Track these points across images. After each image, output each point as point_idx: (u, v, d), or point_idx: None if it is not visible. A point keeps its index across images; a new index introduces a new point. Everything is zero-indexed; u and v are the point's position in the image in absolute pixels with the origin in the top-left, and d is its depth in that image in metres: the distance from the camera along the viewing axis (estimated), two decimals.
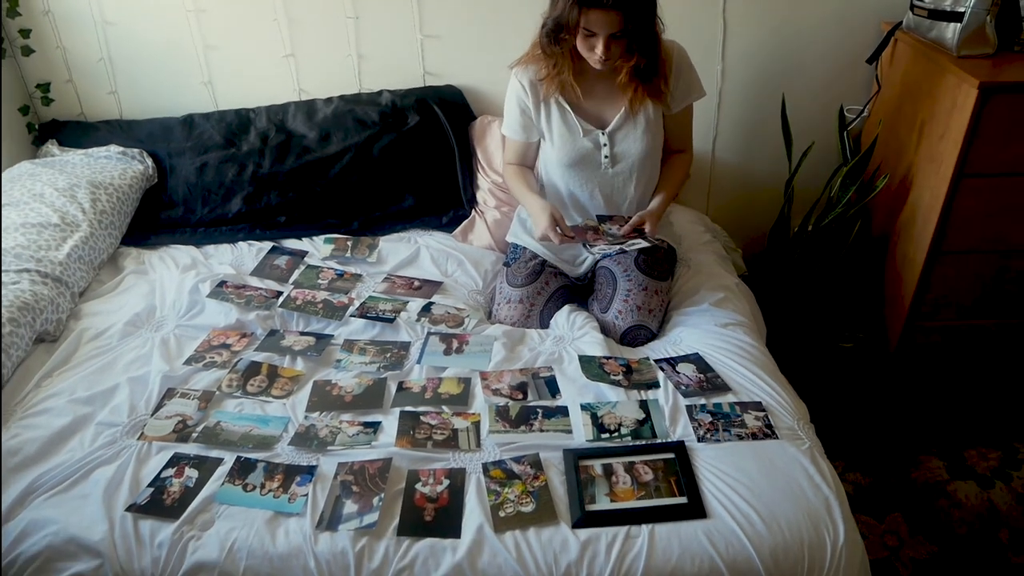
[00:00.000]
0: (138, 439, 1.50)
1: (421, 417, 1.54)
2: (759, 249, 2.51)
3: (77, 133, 2.35)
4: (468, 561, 1.26)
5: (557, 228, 1.76)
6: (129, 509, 1.35)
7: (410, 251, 2.13)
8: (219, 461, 1.45)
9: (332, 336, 1.81)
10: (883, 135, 2.25)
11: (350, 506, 1.35)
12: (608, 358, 1.68)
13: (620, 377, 1.62)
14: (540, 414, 1.55)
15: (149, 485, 1.40)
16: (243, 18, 2.28)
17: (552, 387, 1.62)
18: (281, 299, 1.91)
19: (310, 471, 1.42)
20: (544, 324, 1.87)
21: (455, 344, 1.76)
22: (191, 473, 1.43)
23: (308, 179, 2.23)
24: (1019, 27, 1.96)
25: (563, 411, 1.56)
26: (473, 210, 2.26)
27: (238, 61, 2.34)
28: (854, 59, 2.31)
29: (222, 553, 1.28)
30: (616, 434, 1.49)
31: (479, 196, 2.27)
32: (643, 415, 1.53)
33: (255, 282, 1.99)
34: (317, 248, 2.17)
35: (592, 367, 1.65)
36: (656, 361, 1.69)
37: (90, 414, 1.56)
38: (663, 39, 1.74)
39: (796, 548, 1.27)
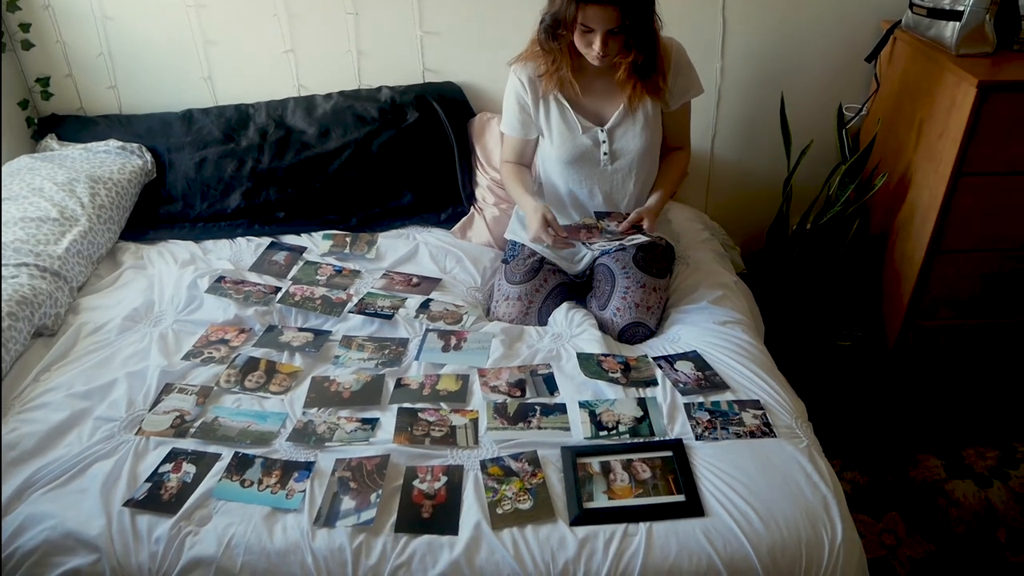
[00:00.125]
0: (136, 434, 1.50)
1: (419, 414, 1.55)
2: (757, 247, 2.51)
3: (76, 128, 2.34)
4: (465, 558, 1.26)
5: (549, 229, 1.75)
6: (127, 504, 1.35)
7: (409, 248, 2.13)
8: (217, 457, 1.45)
9: (330, 332, 1.81)
10: (882, 134, 2.25)
11: (348, 502, 1.35)
12: (606, 355, 1.68)
13: (618, 375, 1.62)
14: (538, 411, 1.55)
15: (147, 480, 1.40)
16: (243, 13, 2.27)
17: (550, 384, 1.62)
18: (279, 295, 1.91)
19: (308, 467, 1.42)
20: (542, 321, 1.87)
21: (453, 341, 1.76)
22: (189, 468, 1.43)
23: (307, 175, 2.22)
24: (1018, 26, 1.96)
25: (561, 408, 1.56)
26: (472, 207, 2.26)
27: (238, 56, 2.34)
28: (853, 57, 2.31)
29: (219, 549, 1.28)
30: (614, 432, 1.49)
31: (478, 193, 2.27)
32: (641, 413, 1.53)
33: (254, 278, 1.99)
34: (316, 244, 2.16)
35: (590, 365, 1.65)
36: (654, 359, 1.69)
37: (88, 409, 1.56)
38: (661, 36, 1.74)
39: (794, 546, 1.27)
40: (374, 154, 2.24)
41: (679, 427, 1.50)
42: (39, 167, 2.10)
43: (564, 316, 1.84)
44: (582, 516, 1.31)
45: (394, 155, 2.24)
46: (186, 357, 1.71)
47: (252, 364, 1.69)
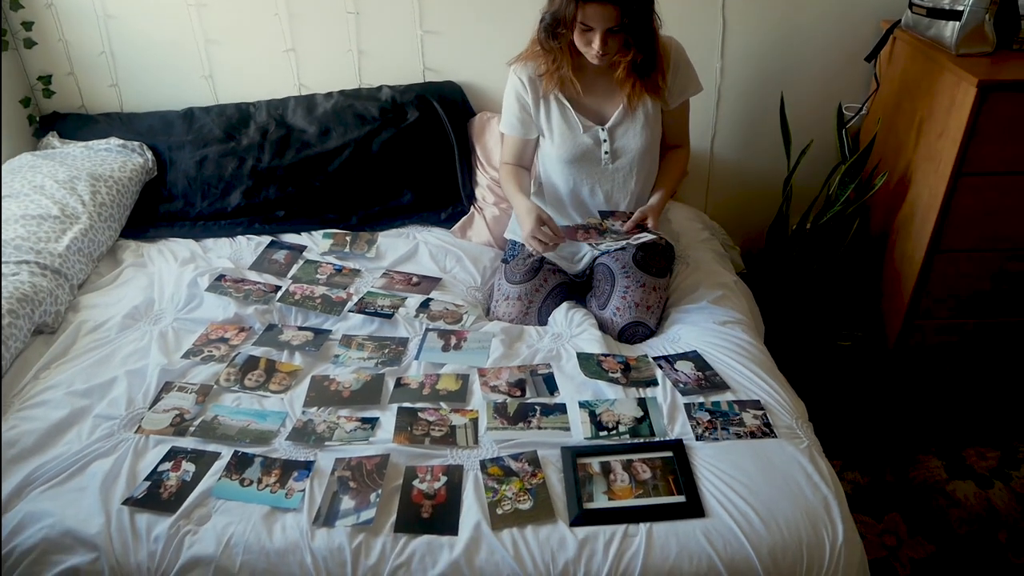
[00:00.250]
0: (135, 432, 1.50)
1: (419, 413, 1.54)
2: (757, 247, 2.51)
3: (78, 125, 2.35)
4: (465, 558, 1.26)
5: (544, 228, 1.75)
6: (126, 503, 1.35)
7: (409, 247, 2.13)
8: (216, 455, 1.45)
9: (330, 331, 1.80)
10: (882, 133, 2.25)
11: (347, 502, 1.34)
12: (606, 355, 1.68)
13: (618, 375, 1.62)
14: (538, 411, 1.55)
15: (146, 479, 1.40)
16: (244, 13, 2.27)
17: (550, 384, 1.62)
18: (279, 293, 1.91)
19: (307, 466, 1.42)
20: (542, 321, 1.87)
21: (453, 340, 1.75)
22: (188, 467, 1.42)
23: (307, 174, 2.22)
24: (1018, 25, 1.96)
25: (561, 408, 1.55)
26: (472, 206, 2.26)
27: (239, 55, 2.34)
28: (853, 57, 2.31)
29: (218, 548, 1.28)
30: (614, 432, 1.49)
31: (478, 192, 2.27)
32: (641, 413, 1.53)
33: (254, 276, 1.99)
34: (316, 243, 2.16)
35: (590, 364, 1.65)
36: (654, 359, 1.68)
37: (88, 407, 1.56)
38: (661, 35, 1.74)
39: (795, 547, 1.27)
40: (374, 153, 2.23)
41: (679, 427, 1.50)
42: (40, 165, 2.10)
43: (564, 316, 1.83)
44: (582, 517, 1.31)
45: (394, 154, 2.24)
46: (186, 355, 1.71)
47: (252, 363, 1.69)
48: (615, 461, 1.42)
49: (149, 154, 2.26)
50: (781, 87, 2.29)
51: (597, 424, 1.51)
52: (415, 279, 2.00)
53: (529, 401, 1.57)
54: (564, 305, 1.87)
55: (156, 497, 1.36)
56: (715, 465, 1.40)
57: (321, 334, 1.79)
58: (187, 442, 1.49)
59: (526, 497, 1.35)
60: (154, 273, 2.00)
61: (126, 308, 1.84)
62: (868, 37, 2.28)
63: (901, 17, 2.14)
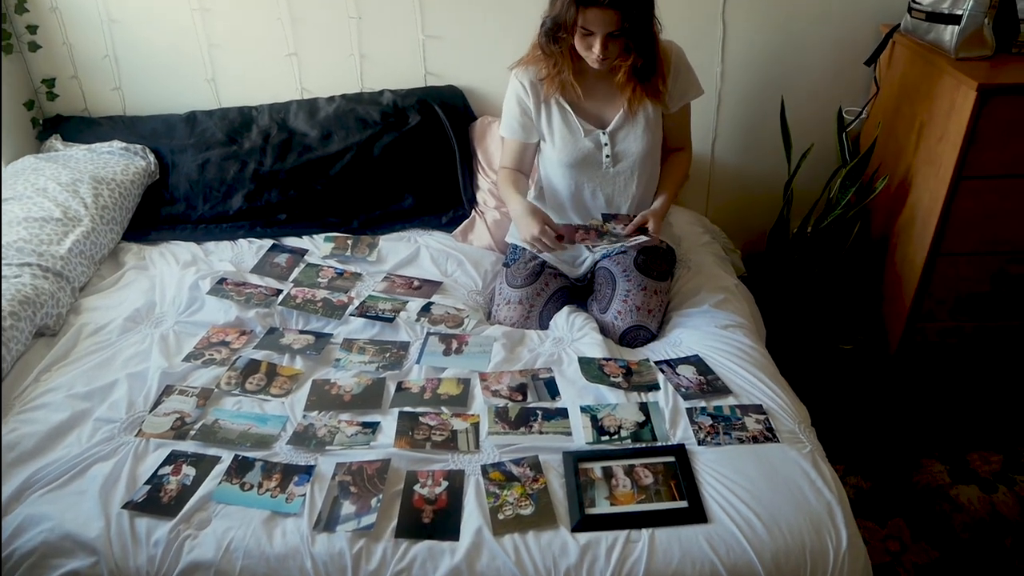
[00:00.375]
0: (136, 436, 1.50)
1: (420, 418, 1.54)
2: (758, 250, 2.50)
3: (81, 128, 2.35)
4: (467, 564, 1.25)
5: (547, 230, 1.74)
6: (126, 506, 1.34)
7: (410, 251, 2.13)
8: (217, 459, 1.45)
9: (331, 335, 1.80)
10: (882, 137, 2.25)
11: (348, 507, 1.34)
12: (608, 359, 1.68)
13: (620, 379, 1.62)
14: (540, 416, 1.54)
15: (146, 483, 1.40)
16: (247, 17, 2.28)
17: (552, 389, 1.62)
18: (281, 297, 1.91)
19: (308, 471, 1.42)
20: (543, 325, 1.86)
21: (454, 344, 1.75)
22: (188, 471, 1.42)
23: (309, 177, 2.22)
24: (1017, 29, 1.96)
25: (563, 413, 1.55)
26: (473, 210, 2.26)
27: (241, 59, 2.35)
28: (852, 61, 2.31)
29: (218, 553, 1.28)
30: (616, 437, 1.49)
31: (479, 196, 2.27)
32: (643, 417, 1.53)
33: (255, 279, 1.99)
34: (317, 246, 2.16)
35: (592, 369, 1.64)
36: (656, 363, 1.68)
37: (88, 410, 1.55)
38: (661, 39, 1.74)
39: (798, 553, 1.26)
40: (376, 157, 2.24)
41: (681, 432, 1.49)
42: (43, 167, 2.10)
43: (565, 320, 1.83)
44: (584, 522, 1.31)
45: (396, 158, 2.24)
46: (187, 359, 1.71)
47: (253, 366, 1.69)
48: (617, 466, 1.42)
49: (151, 157, 2.27)
50: (781, 91, 2.29)
51: (599, 429, 1.50)
52: (416, 283, 2.00)
53: (530, 405, 1.57)
54: (565, 309, 1.87)
55: (156, 501, 1.36)
56: (717, 470, 1.39)
57: (322, 338, 1.79)
58: (187, 446, 1.48)
59: (528, 502, 1.34)
60: (155, 276, 2.00)
61: (127, 311, 1.84)
62: (868, 41, 2.28)
63: (900, 21, 2.15)
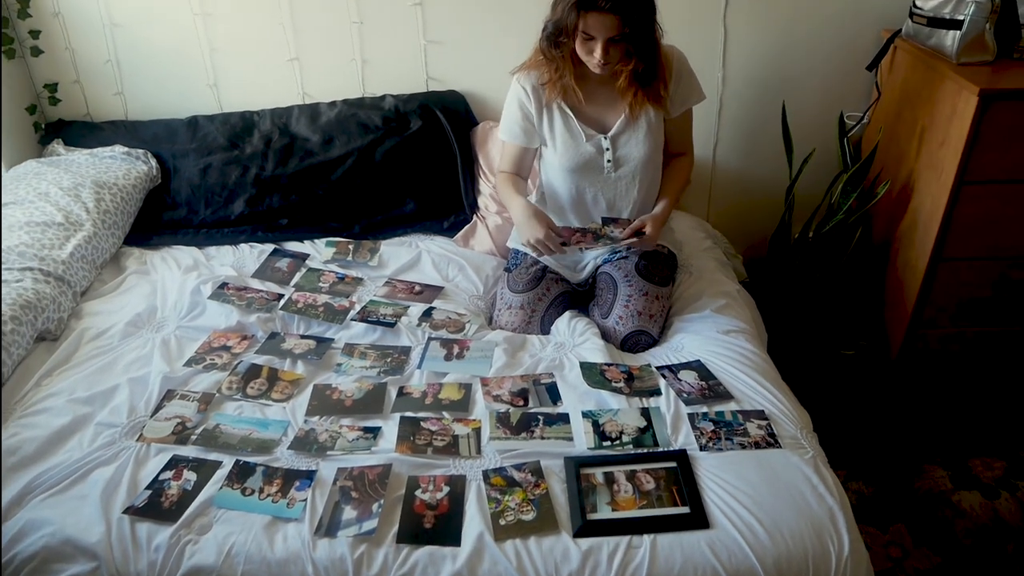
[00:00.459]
0: (137, 440, 1.50)
1: (421, 423, 1.54)
2: (760, 255, 2.50)
3: (83, 133, 2.35)
4: (468, 569, 1.25)
5: (551, 233, 1.74)
6: (127, 511, 1.34)
7: (411, 255, 2.13)
8: (218, 464, 1.45)
9: (333, 340, 1.80)
10: (883, 142, 2.25)
11: (349, 512, 1.34)
12: (609, 365, 1.68)
13: (621, 384, 1.62)
14: (541, 421, 1.54)
15: (147, 487, 1.39)
16: (249, 22, 2.28)
17: (553, 394, 1.61)
18: (282, 302, 1.91)
19: (309, 476, 1.41)
20: (545, 330, 1.86)
21: (456, 349, 1.75)
22: (189, 476, 1.42)
23: (310, 182, 2.23)
24: (1018, 34, 1.96)
25: (564, 418, 1.55)
26: (475, 215, 2.26)
27: (243, 64, 2.35)
28: (854, 66, 2.32)
29: (219, 558, 1.27)
30: (617, 442, 1.48)
31: (481, 201, 2.27)
32: (645, 423, 1.52)
33: (256, 284, 1.99)
34: (319, 251, 2.16)
35: (593, 374, 1.64)
36: (658, 368, 1.68)
37: (89, 414, 1.55)
38: (663, 44, 1.74)
39: (800, 559, 1.26)
40: (377, 162, 2.24)
41: (683, 437, 1.49)
42: (45, 172, 2.10)
43: (567, 325, 1.83)
44: (585, 527, 1.30)
45: (397, 163, 2.25)
46: (188, 363, 1.71)
47: (254, 371, 1.68)
48: (619, 471, 1.41)
49: (153, 162, 2.27)
50: (783, 96, 2.29)
51: (600, 434, 1.50)
52: (418, 288, 2.00)
53: (532, 411, 1.57)
54: (567, 314, 1.86)
55: (157, 506, 1.35)
56: (719, 476, 1.39)
57: (323, 343, 1.79)
58: (189, 451, 1.48)
59: (529, 508, 1.34)
60: (157, 281, 2.00)
61: (129, 315, 1.84)
62: (869, 46, 2.28)
63: (902, 26, 2.15)
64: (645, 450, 1.46)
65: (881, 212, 2.30)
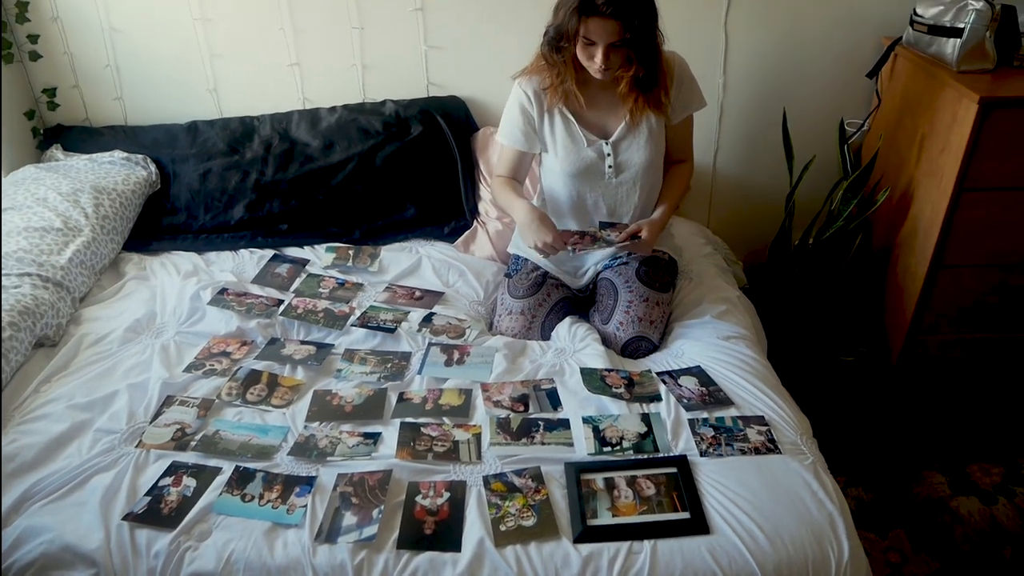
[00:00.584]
0: (136, 447, 1.49)
1: (422, 428, 1.54)
2: (760, 262, 2.51)
3: (82, 138, 2.35)
4: (468, 575, 1.25)
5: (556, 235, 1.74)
6: (126, 518, 1.34)
7: (412, 261, 2.13)
8: (217, 470, 1.44)
9: (333, 345, 1.80)
10: (883, 149, 2.25)
11: (349, 518, 1.34)
12: (610, 370, 1.68)
13: (622, 390, 1.62)
14: (541, 427, 1.54)
15: (146, 494, 1.39)
16: (249, 27, 2.29)
17: (553, 399, 1.61)
18: (282, 307, 1.91)
19: (309, 482, 1.41)
20: (545, 336, 1.86)
21: (456, 355, 1.75)
22: (189, 482, 1.41)
23: (311, 187, 2.23)
24: (1018, 43, 1.97)
25: (565, 424, 1.55)
26: (475, 220, 2.26)
27: (243, 69, 2.35)
28: (854, 73, 2.32)
29: (219, 564, 1.27)
30: (618, 448, 1.48)
31: (481, 207, 2.27)
32: (645, 428, 1.52)
33: (256, 290, 1.99)
34: (319, 257, 2.16)
35: (594, 379, 1.64)
36: (658, 374, 1.68)
37: (88, 420, 1.55)
38: (664, 51, 1.75)
39: (800, 564, 1.26)
40: (378, 167, 2.24)
41: (683, 443, 1.49)
42: (44, 177, 2.10)
43: (567, 330, 1.83)
44: (586, 533, 1.30)
45: (398, 168, 2.25)
46: (188, 369, 1.70)
47: (254, 377, 1.68)
48: (619, 477, 1.41)
49: (153, 167, 2.27)
50: (783, 103, 2.30)
51: (601, 440, 1.50)
52: (418, 293, 2.00)
53: (532, 416, 1.57)
54: (567, 320, 1.86)
55: (156, 512, 1.35)
56: (719, 481, 1.39)
57: (323, 348, 1.79)
58: (188, 457, 1.48)
59: (529, 513, 1.34)
60: (156, 286, 1.99)
61: (128, 321, 1.84)
62: (870, 54, 2.29)
63: (902, 34, 2.16)
64: (645, 456, 1.46)
65: (881, 219, 2.30)
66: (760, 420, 1.53)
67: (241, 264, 2.12)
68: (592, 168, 1.84)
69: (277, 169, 2.23)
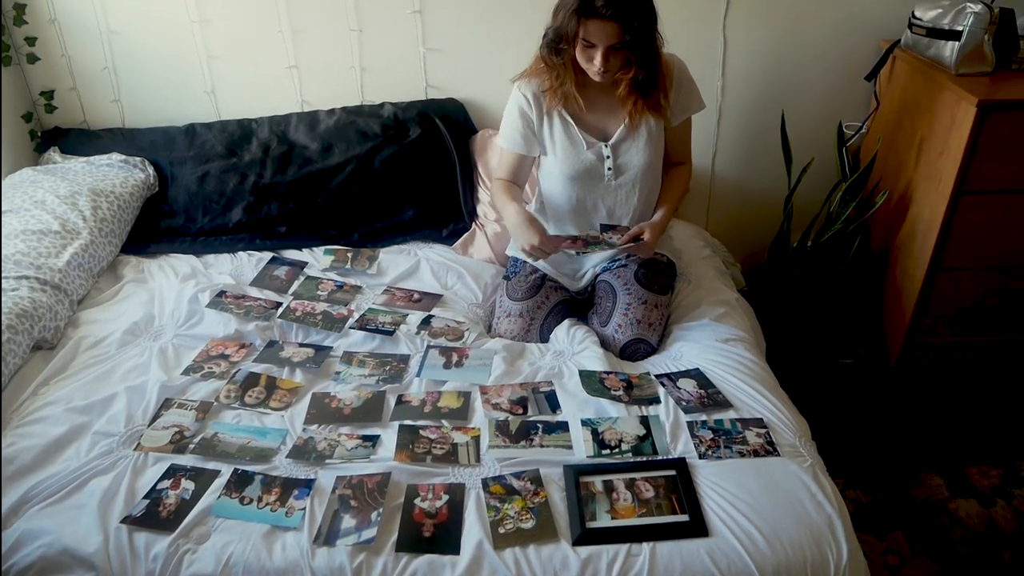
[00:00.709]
0: (135, 450, 1.49)
1: (420, 431, 1.53)
2: (758, 264, 2.51)
3: (79, 141, 2.35)
4: None
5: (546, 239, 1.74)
6: (124, 521, 1.33)
7: (410, 263, 2.13)
8: (216, 473, 1.44)
9: (331, 348, 1.80)
10: (882, 152, 2.26)
11: (348, 521, 1.33)
12: (608, 373, 1.68)
13: (621, 392, 1.62)
14: (540, 429, 1.54)
15: (145, 497, 1.39)
16: (247, 29, 2.29)
17: (552, 402, 1.61)
18: (280, 310, 1.91)
19: (308, 485, 1.41)
20: (544, 338, 1.86)
21: (455, 358, 1.75)
22: (187, 485, 1.41)
23: (309, 190, 2.23)
24: (1016, 45, 1.97)
25: (563, 426, 1.55)
26: (474, 223, 2.26)
27: (241, 71, 2.35)
28: (853, 76, 2.33)
29: (218, 567, 1.27)
30: (617, 450, 1.48)
31: (480, 209, 2.27)
32: (644, 431, 1.52)
33: (254, 292, 1.99)
34: (317, 259, 2.16)
35: (592, 382, 1.64)
36: (657, 376, 1.68)
37: (87, 423, 1.55)
38: (663, 53, 1.75)
39: (799, 567, 1.26)
40: (376, 170, 2.24)
41: (682, 445, 1.49)
42: (42, 180, 2.10)
43: (566, 333, 1.83)
44: (585, 536, 1.30)
45: (396, 171, 2.25)
46: (186, 372, 1.70)
47: (252, 379, 1.68)
48: (618, 480, 1.41)
49: (151, 169, 2.27)
50: (782, 105, 2.30)
51: (599, 442, 1.50)
52: (416, 296, 2.00)
53: (531, 419, 1.57)
54: (566, 322, 1.86)
55: (155, 515, 1.35)
56: (718, 484, 1.39)
57: (322, 351, 1.78)
58: (187, 460, 1.47)
59: (528, 516, 1.34)
60: (154, 289, 1.99)
61: (126, 324, 1.83)
62: (868, 56, 2.29)
63: (901, 37, 2.16)
64: (644, 458, 1.46)
65: (880, 221, 2.31)
66: (759, 422, 1.53)
67: (239, 267, 2.12)
68: (591, 170, 1.84)
69: (275, 171, 2.23)
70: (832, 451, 1.72)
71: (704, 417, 1.55)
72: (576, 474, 1.42)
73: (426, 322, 1.87)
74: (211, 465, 1.46)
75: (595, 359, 1.72)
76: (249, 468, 1.45)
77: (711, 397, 1.60)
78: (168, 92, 2.37)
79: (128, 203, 2.15)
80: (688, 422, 1.54)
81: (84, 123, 2.42)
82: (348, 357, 1.76)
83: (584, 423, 1.54)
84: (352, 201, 2.24)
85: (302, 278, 2.06)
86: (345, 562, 1.27)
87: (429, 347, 1.78)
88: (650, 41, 1.67)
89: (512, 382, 1.67)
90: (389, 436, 1.53)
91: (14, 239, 1.89)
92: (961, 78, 1.94)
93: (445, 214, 2.28)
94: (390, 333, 1.82)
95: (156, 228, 2.22)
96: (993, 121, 1.84)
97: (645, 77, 1.72)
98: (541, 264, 1.95)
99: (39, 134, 2.39)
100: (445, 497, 1.38)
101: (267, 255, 2.16)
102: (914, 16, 2.09)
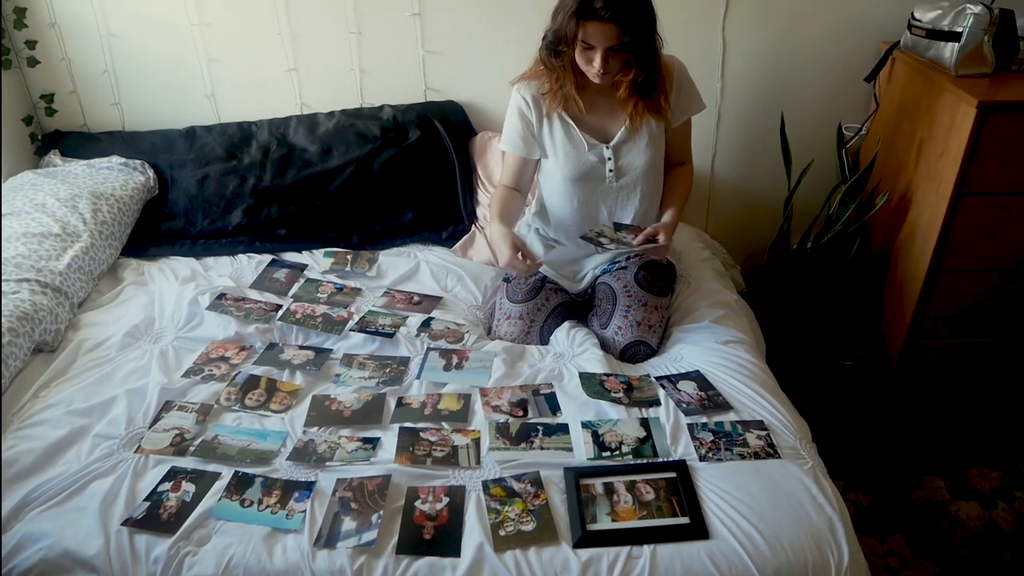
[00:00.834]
0: (135, 452, 1.49)
1: (420, 433, 1.53)
2: (758, 266, 2.51)
3: (79, 144, 2.35)
4: None
5: (519, 256, 1.74)
6: (125, 523, 1.33)
7: (410, 266, 2.13)
8: (216, 476, 1.44)
9: (331, 350, 1.80)
10: (882, 153, 2.26)
11: (348, 523, 1.33)
12: (609, 375, 1.67)
13: (621, 394, 1.62)
14: (540, 431, 1.54)
15: (145, 499, 1.39)
16: (247, 32, 2.29)
17: (552, 404, 1.61)
18: (280, 312, 1.91)
19: (308, 487, 1.41)
20: (544, 340, 1.86)
21: (455, 360, 1.75)
22: (188, 487, 1.41)
23: (309, 192, 2.23)
24: (1016, 47, 1.98)
25: (564, 428, 1.54)
26: (473, 225, 2.26)
27: (241, 74, 2.35)
28: (852, 77, 2.33)
29: (219, 569, 1.27)
30: (617, 452, 1.48)
31: (479, 211, 2.28)
32: (644, 433, 1.52)
33: (254, 295, 1.99)
34: (317, 261, 2.16)
35: (593, 384, 1.64)
36: (657, 378, 1.68)
37: (87, 426, 1.55)
38: (663, 55, 1.75)
39: (800, 569, 1.26)
40: (376, 172, 2.24)
41: (682, 448, 1.49)
42: (42, 183, 2.10)
43: (566, 335, 1.83)
44: (585, 538, 1.30)
45: (396, 173, 2.25)
46: (186, 374, 1.70)
47: (252, 382, 1.68)
48: (618, 482, 1.41)
49: (151, 172, 2.27)
50: (781, 107, 2.30)
51: (600, 444, 1.50)
52: (416, 298, 2.00)
53: (531, 421, 1.57)
54: (566, 324, 1.86)
55: (156, 518, 1.35)
56: (719, 486, 1.39)
57: (322, 353, 1.78)
58: (187, 462, 1.47)
59: (529, 518, 1.34)
60: (154, 291, 1.99)
61: (126, 326, 1.84)
62: (868, 58, 2.30)
63: (900, 38, 2.16)
64: (645, 460, 1.46)
65: (879, 223, 2.31)
66: (759, 424, 1.53)
67: (239, 269, 2.12)
68: (593, 172, 1.84)
69: (275, 174, 2.24)
70: (833, 453, 1.72)
71: (704, 419, 1.55)
72: (576, 476, 1.41)
73: (426, 324, 1.87)
74: (212, 467, 1.46)
75: (595, 361, 1.71)
76: (249, 470, 1.45)
77: (711, 399, 1.60)
78: (168, 95, 2.38)
79: (128, 206, 2.15)
80: (688, 424, 1.54)
81: (84, 126, 2.42)
82: (348, 359, 1.76)
83: (584, 425, 1.54)
84: (352, 203, 2.24)
85: (302, 280, 2.06)
86: (346, 564, 1.27)
87: (429, 349, 1.78)
88: (649, 43, 1.67)
89: (512, 384, 1.67)
90: (389, 438, 1.52)
91: (15, 242, 1.89)
92: (961, 79, 1.94)
93: (445, 216, 2.28)
94: (390, 335, 1.82)
95: (156, 231, 2.22)
96: (993, 122, 1.84)
97: (645, 79, 1.72)
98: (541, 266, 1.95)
99: (39, 137, 2.40)
100: (446, 499, 1.38)
101: (267, 258, 2.16)
102: (913, 17, 2.09)
